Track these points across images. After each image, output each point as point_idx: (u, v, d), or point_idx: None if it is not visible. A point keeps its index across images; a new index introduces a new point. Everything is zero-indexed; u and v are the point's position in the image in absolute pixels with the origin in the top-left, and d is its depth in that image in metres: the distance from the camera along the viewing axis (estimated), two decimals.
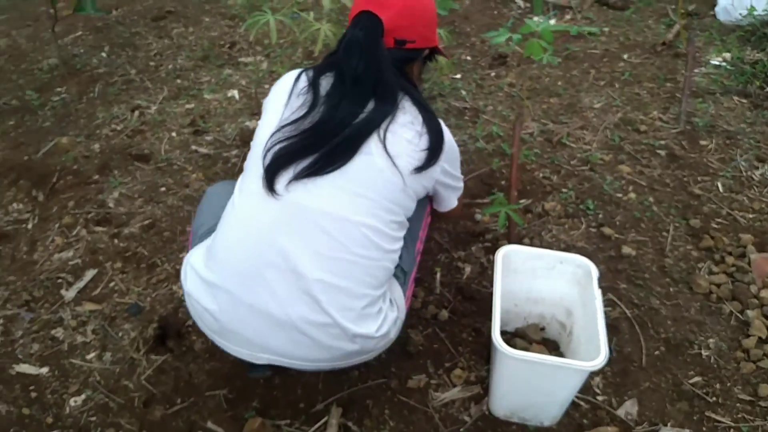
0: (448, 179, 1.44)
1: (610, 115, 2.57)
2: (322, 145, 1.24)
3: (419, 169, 1.29)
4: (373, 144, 1.25)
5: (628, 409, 1.52)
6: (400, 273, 1.43)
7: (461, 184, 1.56)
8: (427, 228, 1.59)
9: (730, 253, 1.90)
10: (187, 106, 2.78)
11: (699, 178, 2.21)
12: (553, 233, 2.00)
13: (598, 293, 1.42)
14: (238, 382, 1.59)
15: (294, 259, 1.21)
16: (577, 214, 2.07)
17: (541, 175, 2.25)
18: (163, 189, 2.27)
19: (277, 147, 1.25)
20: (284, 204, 1.23)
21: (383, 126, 1.26)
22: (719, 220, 2.03)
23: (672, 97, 2.68)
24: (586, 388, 1.55)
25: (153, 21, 3.66)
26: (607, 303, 1.75)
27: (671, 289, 1.81)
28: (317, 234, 1.22)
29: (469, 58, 3.09)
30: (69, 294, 1.87)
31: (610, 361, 1.57)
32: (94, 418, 1.54)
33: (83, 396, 1.60)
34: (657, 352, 1.65)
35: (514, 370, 1.35)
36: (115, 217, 2.14)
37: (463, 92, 2.78)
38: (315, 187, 1.23)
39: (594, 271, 1.47)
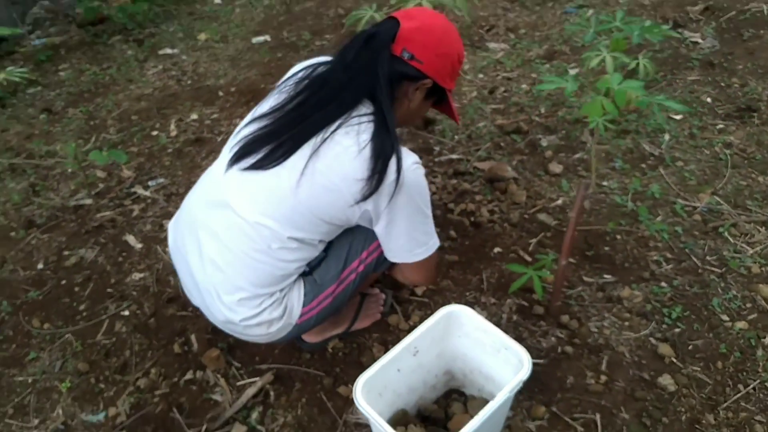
0: (390, 224, 1.35)
1: None
2: (279, 135, 1.33)
3: (360, 200, 1.28)
4: (307, 149, 1.29)
5: None
6: (311, 283, 1.46)
7: (424, 241, 1.41)
8: (379, 251, 1.48)
9: None
10: None
11: None
12: (605, 324, 1.71)
13: (512, 385, 1.25)
14: None
15: (206, 235, 1.40)
16: (652, 317, 1.71)
17: (654, 256, 1.88)
18: None
19: (247, 134, 1.40)
20: (223, 187, 1.39)
21: (327, 130, 1.28)
22: None
23: None
24: None
25: None
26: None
27: None
28: (223, 223, 1.37)
29: (708, 100, 2.58)
30: None
31: None
32: None
33: None
34: None
35: None
36: None
37: (666, 137, 2.38)
38: (245, 180, 1.36)
39: (524, 371, 1.27)
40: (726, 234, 1.93)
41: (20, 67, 3.54)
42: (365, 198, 1.28)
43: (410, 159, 1.32)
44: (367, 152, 1.26)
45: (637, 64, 2.14)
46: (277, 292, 1.41)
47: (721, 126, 2.43)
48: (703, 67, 2.83)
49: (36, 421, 1.66)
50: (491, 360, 1.43)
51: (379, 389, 1.36)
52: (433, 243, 1.43)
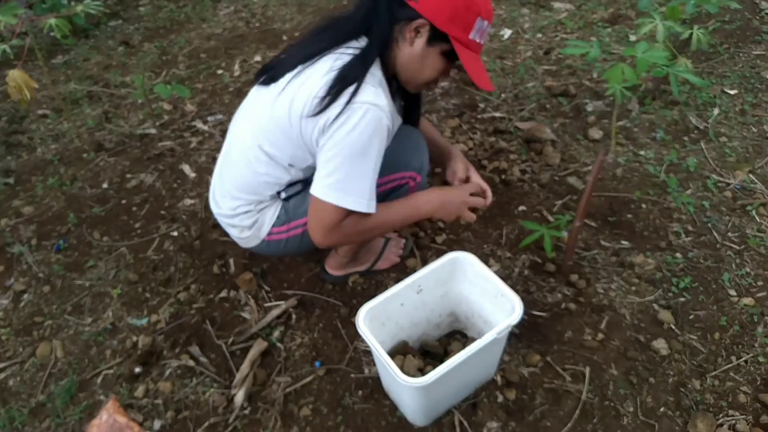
0: (323, 150, 1.33)
1: None
2: (285, 60, 1.45)
3: (310, 115, 1.32)
4: (294, 70, 1.39)
5: None
6: (285, 209, 1.58)
7: (343, 187, 1.33)
8: None
9: None
10: None
11: None
12: (612, 287, 1.77)
13: (498, 330, 1.35)
14: (273, 258, 2.01)
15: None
16: (660, 285, 1.76)
17: (675, 228, 1.91)
18: None
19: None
20: (244, 103, 1.59)
21: (316, 56, 1.37)
22: None
23: None
24: None
25: None
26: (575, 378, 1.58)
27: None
28: (232, 133, 1.61)
29: None
30: None
31: None
32: None
33: None
34: None
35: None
36: None
37: (715, 111, 2.35)
38: (251, 97, 1.56)
39: (514, 317, 1.37)
40: (753, 213, 1.93)
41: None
42: (313, 115, 1.31)
43: (368, 97, 1.29)
44: (332, 75, 1.32)
45: (691, 34, 2.12)
46: (253, 204, 1.56)
47: None
48: None
49: (89, 320, 1.89)
50: (490, 305, 1.53)
51: (382, 319, 1.50)
52: (352, 200, 1.35)
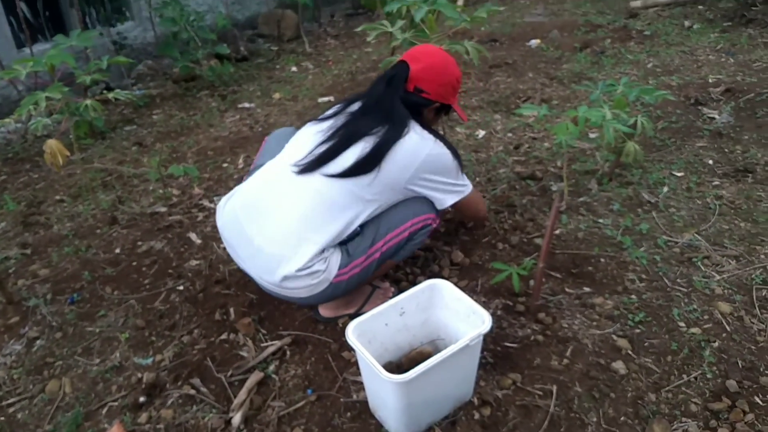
0: (433, 184, 1.90)
1: None
2: (338, 145, 1.84)
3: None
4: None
5: None
6: (345, 252, 1.86)
7: (460, 189, 1.98)
8: (400, 238, 1.89)
9: None
10: None
11: None
12: (575, 322, 1.98)
13: (470, 337, 1.53)
14: (270, 307, 2.21)
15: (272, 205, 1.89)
16: (618, 319, 1.97)
17: (630, 276, 2.15)
18: None
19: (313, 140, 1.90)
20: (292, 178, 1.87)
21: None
22: None
23: None
24: None
25: None
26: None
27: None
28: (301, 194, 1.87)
29: (710, 162, 2.85)
30: None
31: None
32: None
33: None
34: None
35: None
36: None
37: (665, 189, 2.67)
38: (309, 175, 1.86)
39: (485, 327, 1.57)
40: (699, 263, 2.18)
41: (122, 109, 4.21)
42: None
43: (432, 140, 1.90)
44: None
45: (635, 121, 2.49)
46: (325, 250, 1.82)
47: (716, 183, 2.69)
48: (712, 136, 3.12)
49: (97, 360, 2.05)
50: (464, 326, 1.73)
51: (368, 336, 1.69)
52: (462, 184, 2.00)
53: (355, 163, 1.80)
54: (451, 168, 1.92)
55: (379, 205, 1.86)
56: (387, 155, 1.79)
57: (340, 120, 1.91)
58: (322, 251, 1.81)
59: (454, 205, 2.00)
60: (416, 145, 1.83)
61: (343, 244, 1.87)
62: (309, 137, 1.92)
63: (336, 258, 1.84)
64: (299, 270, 1.78)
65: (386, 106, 1.85)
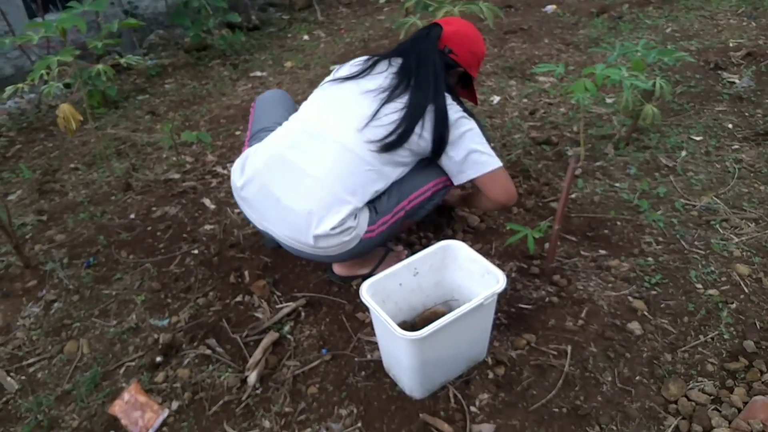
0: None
1: None
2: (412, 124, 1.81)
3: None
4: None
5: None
6: (372, 210, 1.85)
7: (486, 160, 1.84)
8: (423, 197, 1.89)
9: None
10: None
11: None
12: (590, 284, 1.96)
13: (484, 296, 1.53)
14: (284, 269, 2.22)
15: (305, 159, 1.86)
16: (633, 281, 1.95)
17: (647, 239, 2.12)
18: None
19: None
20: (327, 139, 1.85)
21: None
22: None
23: None
24: None
25: None
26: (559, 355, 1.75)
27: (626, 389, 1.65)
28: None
29: (730, 126, 2.80)
30: None
31: None
32: None
33: None
34: None
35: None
36: None
37: (683, 153, 2.63)
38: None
39: (499, 286, 1.56)
40: (717, 226, 2.15)
41: (135, 79, 4.20)
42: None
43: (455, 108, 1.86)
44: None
45: (654, 84, 2.44)
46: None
47: (736, 146, 2.65)
48: (732, 100, 3.06)
49: (114, 322, 2.07)
50: (478, 287, 1.72)
51: (382, 296, 1.69)
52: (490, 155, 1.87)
53: (409, 139, 1.80)
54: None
55: (409, 168, 1.87)
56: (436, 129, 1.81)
57: (393, 82, 1.86)
58: (355, 210, 1.81)
59: (480, 181, 1.91)
60: (457, 120, 1.83)
61: (370, 202, 1.86)
62: (353, 99, 1.87)
63: (365, 216, 1.84)
64: (333, 228, 1.77)
65: (431, 70, 1.84)
